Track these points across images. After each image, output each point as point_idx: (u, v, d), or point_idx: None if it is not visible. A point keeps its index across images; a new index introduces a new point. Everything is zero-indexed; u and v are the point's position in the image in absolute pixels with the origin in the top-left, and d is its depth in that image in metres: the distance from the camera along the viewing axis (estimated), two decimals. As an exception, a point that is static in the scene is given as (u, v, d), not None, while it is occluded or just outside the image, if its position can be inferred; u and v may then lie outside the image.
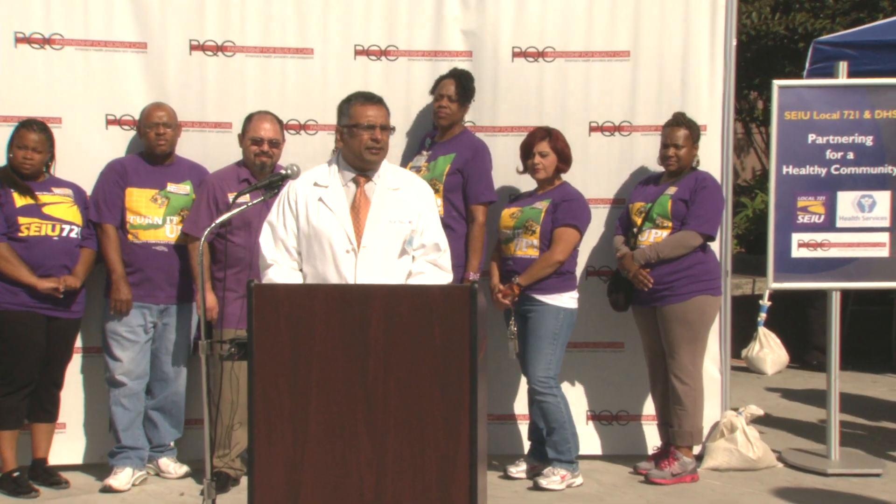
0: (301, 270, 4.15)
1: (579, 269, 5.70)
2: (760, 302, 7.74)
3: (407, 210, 4.18)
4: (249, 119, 5.36)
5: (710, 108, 5.86)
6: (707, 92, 5.86)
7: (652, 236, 5.48)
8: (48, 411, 5.33)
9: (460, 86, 5.50)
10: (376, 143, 4.12)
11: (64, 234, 5.21)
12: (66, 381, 5.40)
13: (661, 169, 5.70)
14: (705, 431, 5.71)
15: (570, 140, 5.58)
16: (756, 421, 5.84)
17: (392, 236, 4.13)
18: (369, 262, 4.08)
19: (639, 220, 5.54)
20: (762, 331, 7.98)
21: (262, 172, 5.30)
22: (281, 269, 4.10)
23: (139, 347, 5.40)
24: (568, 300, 5.41)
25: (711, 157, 5.81)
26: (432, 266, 4.20)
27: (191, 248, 5.31)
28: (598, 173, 5.85)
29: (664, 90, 5.85)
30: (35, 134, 5.21)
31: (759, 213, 10.26)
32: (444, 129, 5.58)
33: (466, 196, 5.45)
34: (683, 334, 5.42)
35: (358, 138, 4.13)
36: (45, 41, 5.53)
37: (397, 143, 5.81)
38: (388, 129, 4.18)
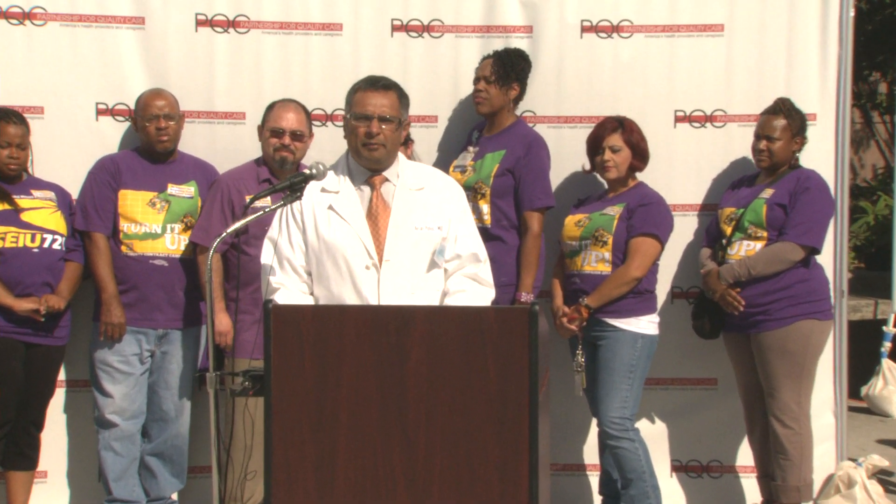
0: (312, 294, 4.19)
1: (663, 290, 5.72)
2: (885, 328, 7.67)
3: (434, 214, 4.21)
4: (271, 107, 5.43)
5: (822, 92, 5.85)
6: (818, 73, 5.86)
7: (743, 249, 5.46)
8: (27, 456, 5.39)
9: (498, 64, 5.52)
10: (369, 139, 4.14)
11: (45, 245, 5.29)
12: (47, 421, 5.47)
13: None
14: (816, 486, 5.67)
15: (652, 132, 5.61)
16: (880, 474, 5.78)
17: (419, 246, 4.16)
18: (394, 279, 4.11)
19: (728, 230, 5.53)
20: (887, 364, 7.90)
21: (283, 171, 5.36)
22: (289, 293, 4.13)
23: (134, 381, 5.46)
24: (647, 325, 5.41)
25: (823, 152, 5.80)
26: (472, 282, 4.23)
27: (200, 261, 5.37)
28: (685, 173, 5.87)
29: (766, 72, 5.85)
30: (14, 126, 5.30)
31: (883, 219, 10.16)
32: (492, 120, 5.61)
33: (519, 201, 5.48)
34: (784, 367, 5.40)
35: (353, 132, 4.18)
36: (25, 16, 5.64)
37: (436, 137, 5.86)
38: (391, 121, 4.17)
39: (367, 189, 4.22)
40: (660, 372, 5.72)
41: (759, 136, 5.55)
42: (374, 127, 4.13)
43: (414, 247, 4.15)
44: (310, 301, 4.16)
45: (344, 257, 4.11)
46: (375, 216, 4.18)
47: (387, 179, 4.24)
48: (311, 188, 4.12)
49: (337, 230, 4.14)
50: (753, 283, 5.39)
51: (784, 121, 5.51)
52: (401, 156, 4.33)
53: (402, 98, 4.26)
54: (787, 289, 5.39)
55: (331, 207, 4.17)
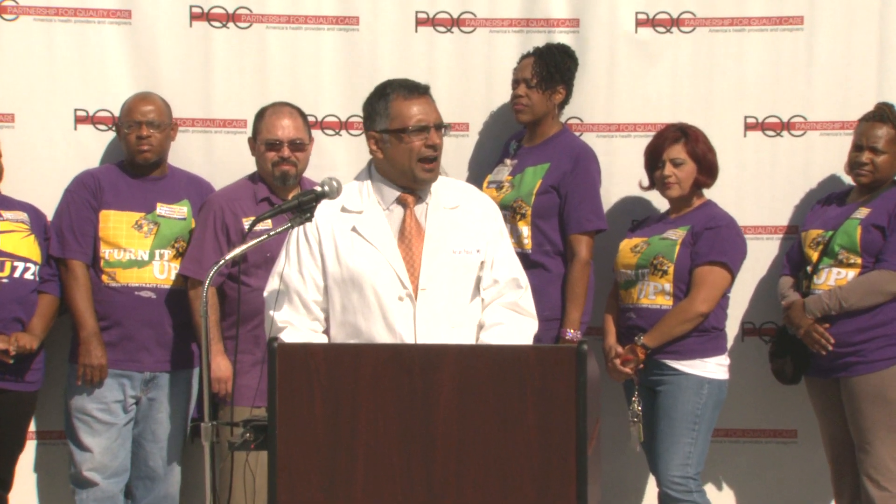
0: (326, 332, 4.20)
1: (732, 326, 5.69)
2: None
3: (472, 235, 4.23)
4: (261, 115, 5.43)
5: (921, 95, 5.83)
6: (915, 73, 5.84)
7: (833, 277, 5.43)
8: (-8, 521, 5.42)
9: (540, 64, 5.53)
10: (433, 151, 4.18)
11: (16, 274, 5.31)
12: (15, 479, 5.47)
13: (848, 182, 5.68)
14: (916, 558, 5.63)
15: (719, 142, 5.60)
16: None
17: (457, 273, 4.18)
18: (432, 311, 4.12)
19: (814, 255, 5.50)
20: None
21: (286, 188, 5.38)
22: (297, 332, 4.13)
23: (116, 432, 5.47)
24: (714, 368, 5.39)
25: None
26: (511, 313, 4.23)
27: (192, 295, 5.37)
28: (757, 189, 5.85)
29: (853, 72, 5.84)
30: (-20, 137, 5.36)
31: None
32: (533, 129, 5.62)
33: (564, 223, 5.48)
34: (880, 418, 5.36)
35: (407, 147, 4.18)
36: (-7, 10, 5.71)
37: (466, 148, 5.89)
38: (443, 127, 4.23)
39: (397, 209, 4.23)
40: (729, 422, 5.69)
41: (860, 147, 5.50)
42: (434, 138, 4.17)
43: (452, 273, 4.16)
44: (323, 341, 4.15)
45: (373, 288, 4.12)
46: (409, 240, 4.19)
47: (419, 198, 4.26)
48: (327, 208, 4.12)
49: (363, 257, 4.14)
50: (845, 319, 5.36)
51: (892, 130, 5.46)
52: None
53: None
54: (884, 325, 5.37)
55: (354, 230, 4.18)
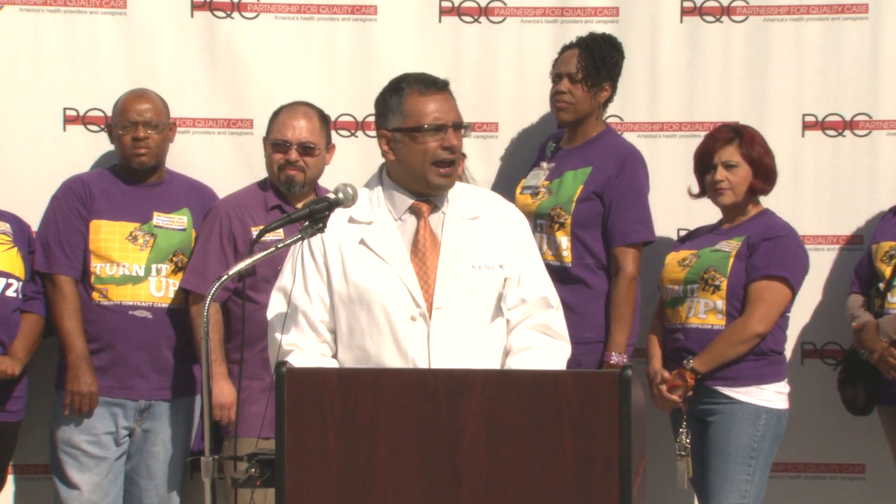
0: (335, 357, 4.18)
1: (790, 347, 5.66)
2: None
3: (495, 249, 4.20)
4: (276, 115, 5.43)
5: None
6: None
7: (909, 296, 5.42)
8: (-30, 565, 5.42)
9: (586, 57, 5.50)
10: (450, 154, 4.14)
11: (-3, 291, 5.33)
12: (-4, 518, 5.50)
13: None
14: None
15: (774, 143, 5.57)
16: None
17: (477, 290, 4.14)
18: (448, 333, 4.09)
19: (888, 271, 5.47)
20: None
21: (293, 195, 5.37)
22: (305, 355, 4.11)
23: (107, 467, 5.46)
24: (773, 396, 5.35)
25: None
26: (541, 336, 4.20)
27: (194, 311, 5.37)
28: (817, 195, 5.85)
29: (924, 65, 5.83)
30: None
31: None
32: (573, 129, 5.59)
33: (608, 234, 5.46)
34: (962, 453, 5.34)
35: (421, 148, 4.15)
36: (-25, 1, 5.73)
37: (495, 150, 5.85)
38: (463, 127, 4.20)
39: (410, 219, 4.21)
40: (789, 456, 5.68)
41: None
42: (452, 138, 4.13)
43: (472, 291, 4.13)
44: (333, 366, 4.12)
45: (382, 306, 4.09)
46: (423, 253, 4.16)
47: (435, 206, 4.23)
48: (335, 218, 4.09)
49: (372, 272, 4.12)
50: (924, 342, 5.35)
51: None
52: None
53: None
54: (967, 350, 5.34)
55: (363, 242, 4.15)
